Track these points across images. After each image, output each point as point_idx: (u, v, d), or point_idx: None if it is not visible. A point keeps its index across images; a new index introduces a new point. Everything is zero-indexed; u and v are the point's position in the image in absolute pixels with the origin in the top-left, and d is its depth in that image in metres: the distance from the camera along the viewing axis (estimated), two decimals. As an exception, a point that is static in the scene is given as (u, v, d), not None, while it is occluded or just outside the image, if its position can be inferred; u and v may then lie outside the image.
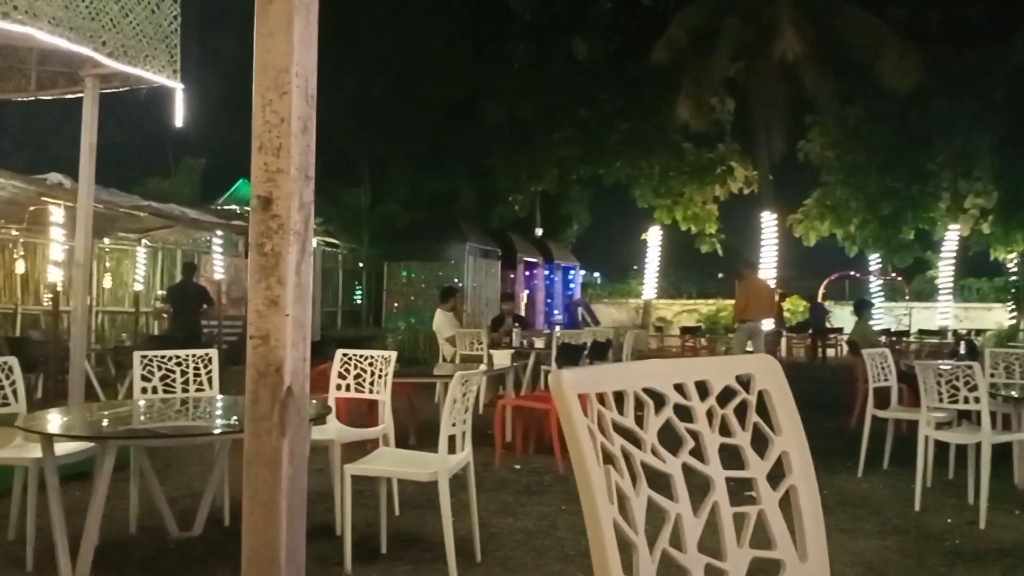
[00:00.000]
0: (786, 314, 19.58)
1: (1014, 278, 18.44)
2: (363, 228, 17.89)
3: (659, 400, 1.14)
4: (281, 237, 1.77)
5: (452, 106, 18.83)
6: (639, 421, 1.11)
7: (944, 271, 18.89)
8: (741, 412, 1.25)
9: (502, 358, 7.20)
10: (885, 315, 19.61)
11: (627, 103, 18.85)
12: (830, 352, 17.95)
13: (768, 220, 18.51)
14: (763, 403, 1.28)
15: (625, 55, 18.39)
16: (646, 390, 1.13)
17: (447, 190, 20.37)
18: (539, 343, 9.46)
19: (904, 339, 15.04)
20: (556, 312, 21.82)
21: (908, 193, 17.81)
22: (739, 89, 18.57)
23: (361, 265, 18.47)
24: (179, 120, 5.76)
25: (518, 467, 6.03)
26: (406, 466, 3.95)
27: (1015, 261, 19.00)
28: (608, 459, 1.00)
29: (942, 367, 5.16)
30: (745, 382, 1.27)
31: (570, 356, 7.41)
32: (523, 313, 18.03)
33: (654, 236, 21.01)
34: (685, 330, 17.72)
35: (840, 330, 17.80)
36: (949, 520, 4.88)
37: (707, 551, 1.13)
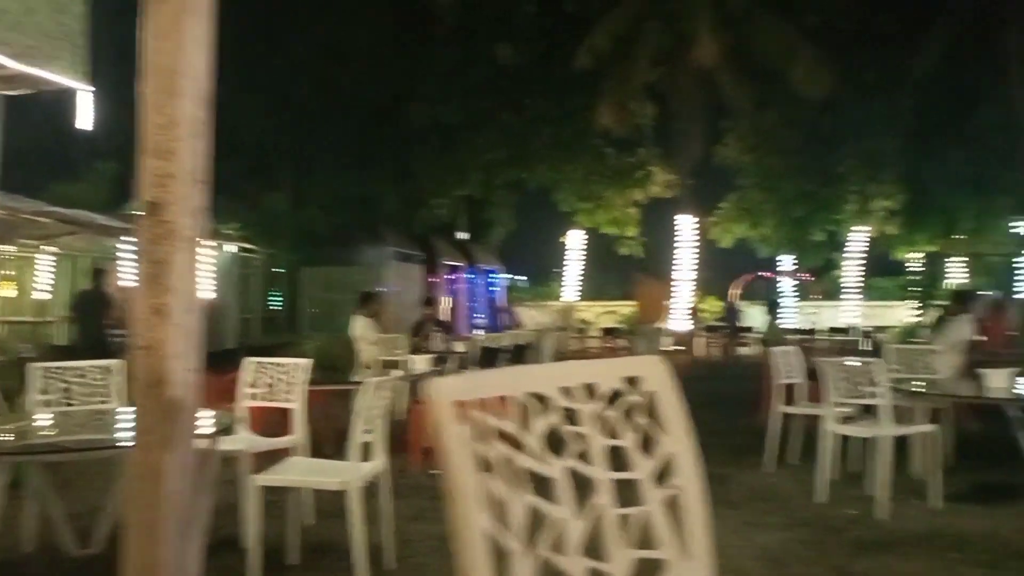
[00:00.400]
0: (704, 314, 20.03)
1: (917, 277, 19.32)
2: (282, 232, 17.55)
3: (545, 403, 1.15)
4: (170, 243, 1.72)
5: (376, 109, 18.65)
6: (523, 425, 1.11)
7: (851, 271, 19.63)
8: (639, 414, 1.27)
9: (421, 363, 7.16)
10: (797, 314, 20.28)
11: (551, 108, 19.01)
12: (746, 350, 18.44)
13: (686, 223, 18.91)
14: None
15: (549, 60, 18.54)
16: (531, 394, 1.14)
17: (370, 194, 20.15)
18: (461, 347, 9.45)
19: (813, 336, 15.58)
20: (479, 316, 21.84)
21: (819, 196, 18.45)
22: (659, 94, 18.92)
23: (280, 270, 18.12)
24: (86, 123, 5.53)
25: (435, 472, 5.99)
26: (316, 475, 3.89)
27: (921, 261, 19.93)
28: (487, 466, 1.00)
29: (845, 364, 5.35)
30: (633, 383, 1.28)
31: (490, 359, 7.42)
32: (447, 317, 17.99)
33: (575, 239, 21.23)
34: (607, 331, 17.96)
35: (751, 329, 18.33)
36: (852, 511, 5.06)
37: (590, 553, 1.15)
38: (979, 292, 11.84)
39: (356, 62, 17.53)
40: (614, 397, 1.25)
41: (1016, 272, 17.64)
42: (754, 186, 18.94)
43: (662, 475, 1.26)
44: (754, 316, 18.56)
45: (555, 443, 1.16)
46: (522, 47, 19.10)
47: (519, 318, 20.85)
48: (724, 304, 20.67)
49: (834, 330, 16.69)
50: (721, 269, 21.11)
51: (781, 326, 12.57)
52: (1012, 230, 17.55)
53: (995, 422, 6.61)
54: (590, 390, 1.21)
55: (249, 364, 4.84)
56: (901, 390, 5.61)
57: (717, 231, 19.63)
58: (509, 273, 25.57)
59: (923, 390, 5.67)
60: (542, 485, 1.12)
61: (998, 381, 5.47)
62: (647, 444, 1.27)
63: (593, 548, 1.16)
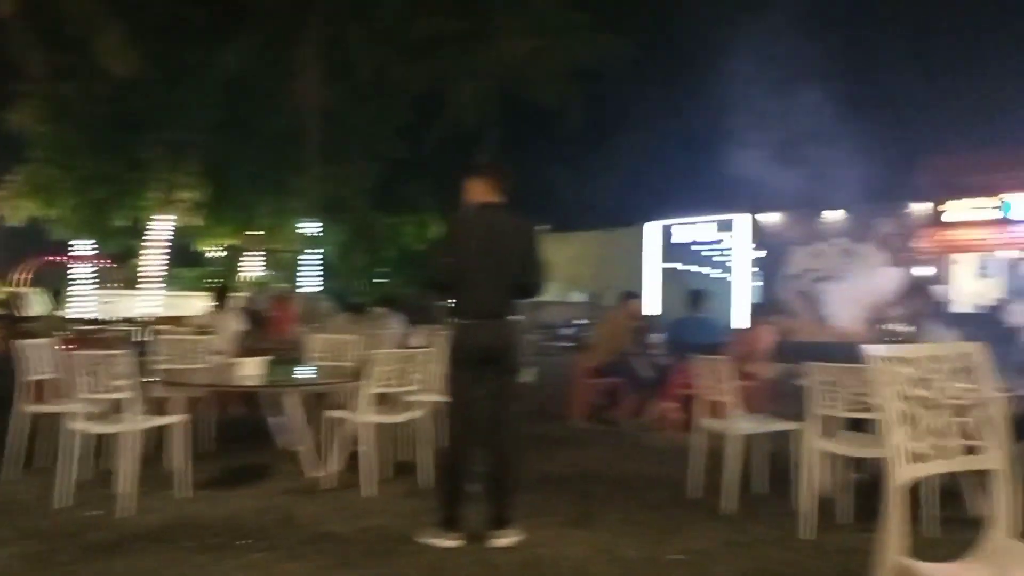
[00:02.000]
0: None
1: (217, 269, 19.98)
2: None
3: None
4: None
5: None
6: None
7: (153, 259, 19.18)
8: None
9: None
10: (96, 302, 19.10)
11: None
12: (33, 342, 16.56)
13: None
14: None
15: None
16: None
17: None
18: None
19: (105, 326, 14.76)
20: None
21: (123, 179, 17.66)
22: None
23: None
24: None
25: None
26: None
27: (222, 254, 20.71)
28: None
29: (92, 357, 5.05)
30: None
31: None
32: None
33: None
34: None
35: (39, 318, 16.61)
36: (95, 512, 4.77)
37: None
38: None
39: None
40: None
41: (300, 268, 19.65)
42: (50, 161, 17.18)
43: None
44: (43, 304, 16.83)
45: None
46: None
47: None
48: (7, 291, 18.25)
49: (128, 320, 16.10)
50: (6, 251, 18.62)
51: (69, 316, 11.59)
52: (300, 230, 19.48)
53: (258, 407, 7.11)
54: None
55: None
56: (158, 381, 5.57)
57: (6, 208, 17.32)
58: None
59: (179, 380, 5.71)
60: None
61: (251, 369, 5.82)
62: None
63: None
